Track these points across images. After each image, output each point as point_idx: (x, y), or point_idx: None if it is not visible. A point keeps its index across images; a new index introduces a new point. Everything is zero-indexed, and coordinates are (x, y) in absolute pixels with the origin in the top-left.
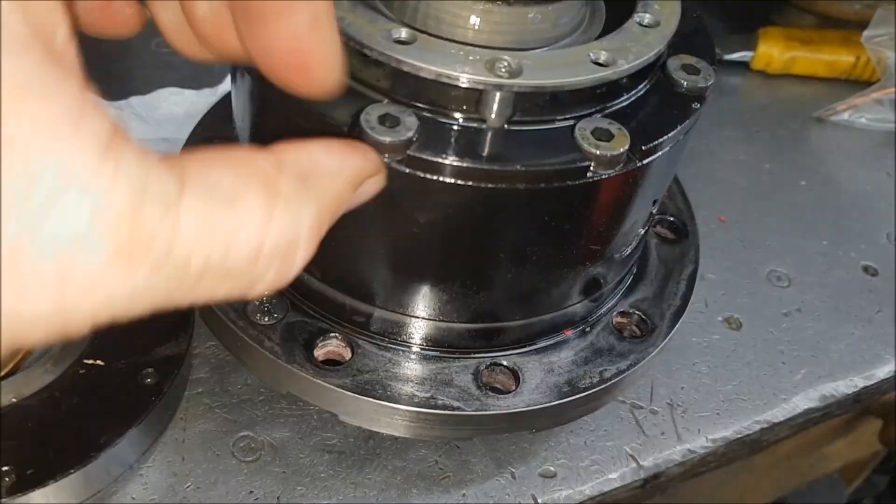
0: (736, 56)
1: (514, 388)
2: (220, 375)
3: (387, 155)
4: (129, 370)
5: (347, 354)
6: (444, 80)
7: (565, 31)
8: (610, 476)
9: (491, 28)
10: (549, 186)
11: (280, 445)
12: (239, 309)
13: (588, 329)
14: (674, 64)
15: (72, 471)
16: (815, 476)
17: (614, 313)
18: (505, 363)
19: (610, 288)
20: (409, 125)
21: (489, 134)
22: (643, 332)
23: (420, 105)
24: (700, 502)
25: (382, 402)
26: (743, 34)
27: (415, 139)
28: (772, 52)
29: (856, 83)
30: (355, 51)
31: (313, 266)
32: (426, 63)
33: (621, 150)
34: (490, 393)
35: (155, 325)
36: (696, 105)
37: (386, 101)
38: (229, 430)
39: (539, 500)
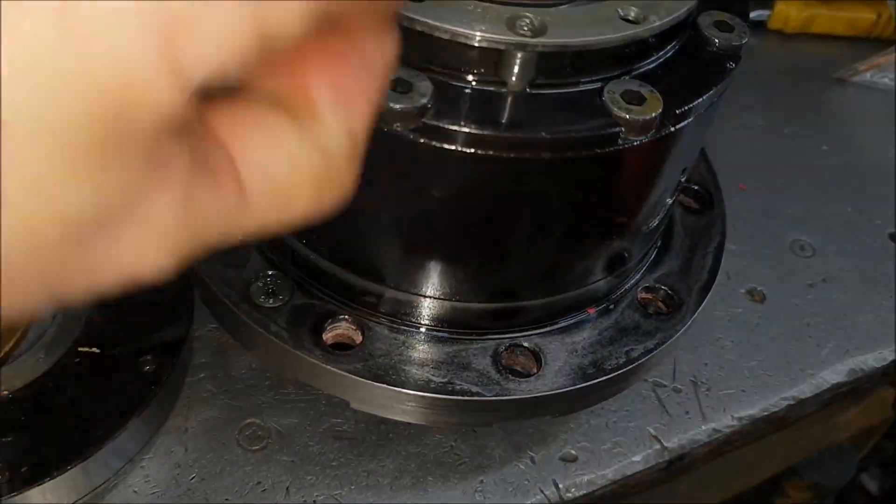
0: (752, 15)
1: (535, 370)
2: (222, 360)
3: (398, 123)
4: (127, 357)
5: (358, 338)
6: (461, 39)
7: None
8: (633, 458)
9: None
10: (575, 155)
11: (288, 433)
12: (241, 291)
13: (612, 306)
14: (705, 20)
15: (69, 467)
16: (826, 444)
17: (639, 289)
18: (526, 344)
19: (635, 262)
20: (423, 90)
21: (510, 98)
22: (670, 308)
23: (434, 68)
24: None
25: (396, 389)
26: None
27: (429, 106)
28: (790, 10)
29: (877, 41)
30: None
31: (320, 244)
32: (440, 21)
33: (653, 114)
34: (511, 376)
35: (153, 308)
36: (730, 64)
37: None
38: (234, 417)
39: (560, 486)
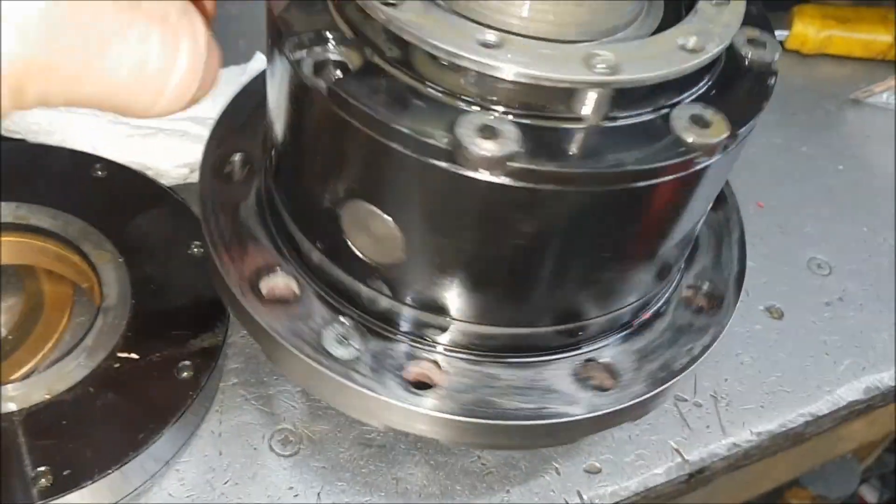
0: None
1: (613, 381)
2: (255, 365)
3: (488, 170)
4: (165, 363)
5: (439, 376)
6: (545, 83)
7: (629, 20)
8: (655, 471)
9: (554, 19)
10: (657, 182)
11: (319, 439)
12: (314, 343)
13: (664, 308)
14: (739, 39)
15: (110, 470)
16: (831, 456)
17: (682, 288)
18: (601, 360)
19: (680, 265)
20: (510, 135)
21: (590, 133)
22: (712, 303)
23: (514, 110)
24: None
25: (493, 422)
26: (776, 12)
27: (519, 150)
28: (807, 30)
29: (893, 63)
30: (436, 57)
31: (387, 285)
32: (522, 66)
33: (722, 136)
34: (595, 392)
35: (190, 315)
36: (771, 81)
37: (476, 109)
38: (266, 422)
39: (584, 497)
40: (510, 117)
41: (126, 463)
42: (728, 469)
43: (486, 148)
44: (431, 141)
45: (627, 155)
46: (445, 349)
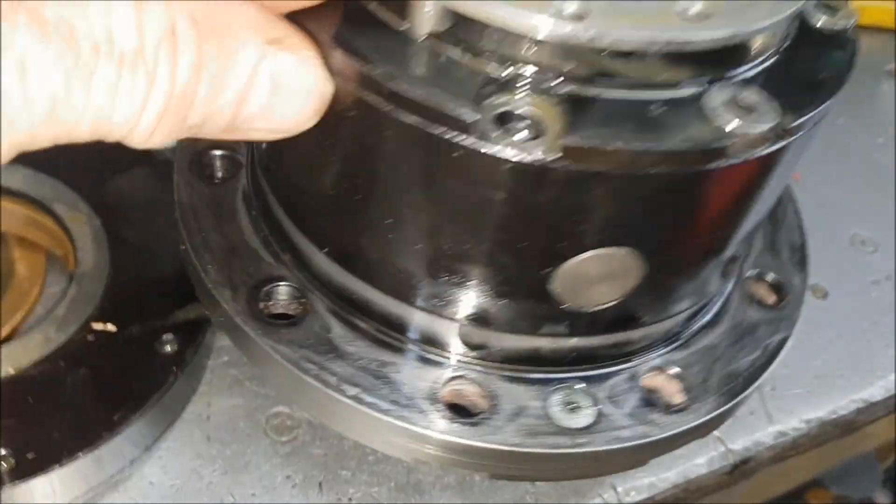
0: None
1: (773, 293)
2: None
3: (756, 147)
4: (145, 336)
5: (668, 380)
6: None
7: None
8: (696, 461)
9: None
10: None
11: (320, 423)
12: (553, 430)
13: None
14: None
15: (80, 454)
16: (853, 454)
17: None
18: (764, 275)
19: None
20: (756, 97)
21: (791, 61)
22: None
23: (738, 71)
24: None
25: (744, 394)
26: None
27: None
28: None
29: None
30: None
31: (588, 325)
32: (755, 23)
33: (854, 16)
34: (770, 308)
35: (174, 284)
36: None
37: (702, 87)
38: (261, 405)
39: (619, 489)
40: (734, 81)
41: (99, 446)
42: (774, 460)
43: (755, 121)
44: (711, 145)
45: (831, 58)
46: (665, 349)
